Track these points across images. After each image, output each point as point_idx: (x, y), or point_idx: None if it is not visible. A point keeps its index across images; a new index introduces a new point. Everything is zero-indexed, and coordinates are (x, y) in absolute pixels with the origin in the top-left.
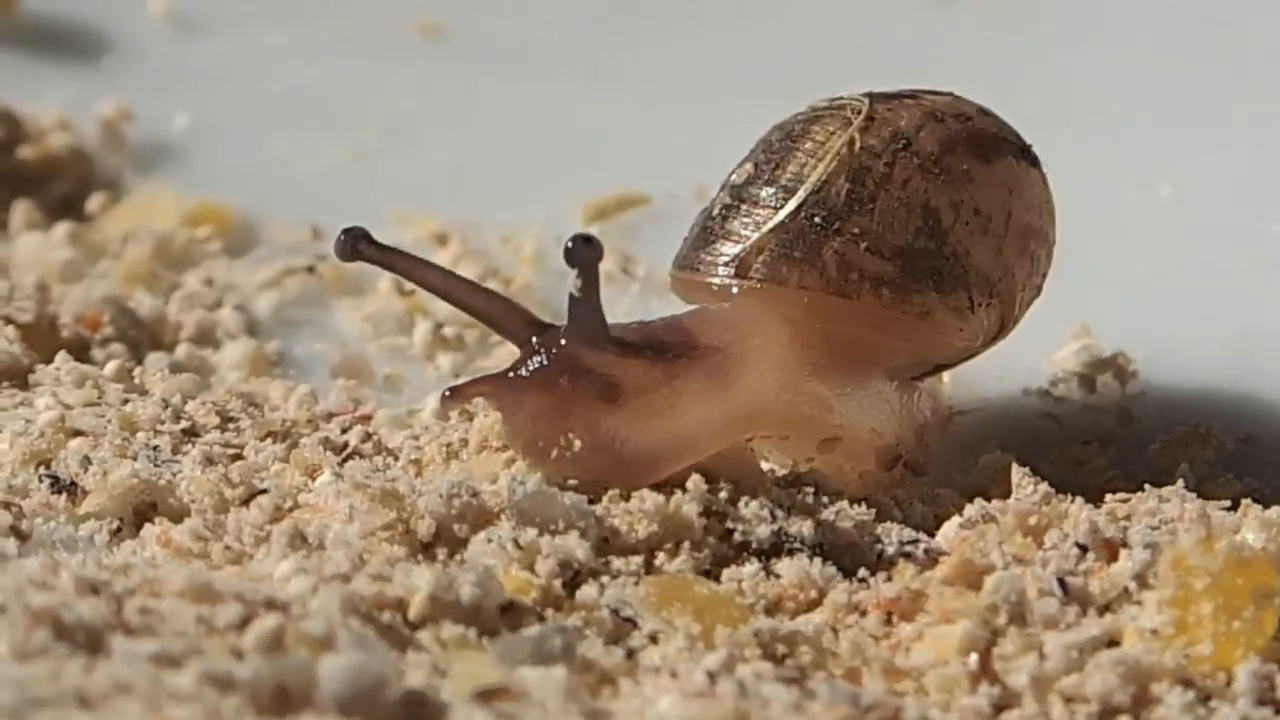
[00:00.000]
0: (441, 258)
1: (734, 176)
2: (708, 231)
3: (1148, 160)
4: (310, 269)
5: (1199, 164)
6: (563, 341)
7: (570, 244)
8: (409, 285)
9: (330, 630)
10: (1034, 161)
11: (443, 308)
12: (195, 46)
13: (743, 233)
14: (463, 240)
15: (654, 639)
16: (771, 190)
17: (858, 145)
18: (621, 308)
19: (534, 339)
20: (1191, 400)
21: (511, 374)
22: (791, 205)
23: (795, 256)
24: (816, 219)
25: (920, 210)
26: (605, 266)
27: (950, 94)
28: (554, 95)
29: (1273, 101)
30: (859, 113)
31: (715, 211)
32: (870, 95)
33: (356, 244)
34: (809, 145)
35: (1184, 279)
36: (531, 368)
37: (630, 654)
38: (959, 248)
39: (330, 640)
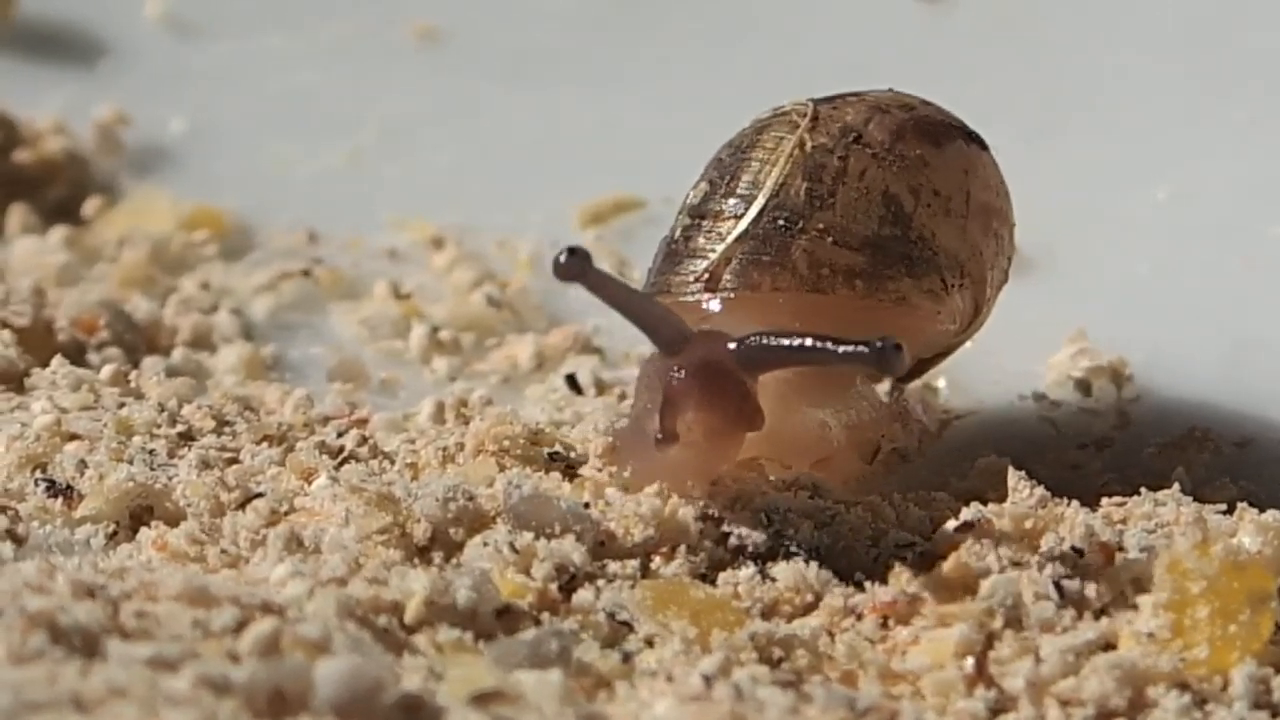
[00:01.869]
0: (438, 261)
1: (690, 198)
2: (672, 254)
3: (1145, 164)
4: (306, 273)
5: (1196, 167)
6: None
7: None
8: (405, 288)
9: (326, 634)
10: (983, 145)
11: (439, 311)
12: (191, 50)
13: (708, 247)
14: (459, 244)
15: (650, 642)
16: (731, 202)
17: (809, 145)
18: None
19: None
20: (1188, 404)
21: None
22: (753, 212)
23: (764, 260)
24: (780, 221)
25: (881, 198)
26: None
27: (889, 89)
28: (550, 100)
29: (1270, 105)
30: (804, 114)
31: (676, 234)
32: (811, 99)
33: (583, 265)
34: (760, 153)
35: (1181, 283)
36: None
37: (626, 657)
38: (924, 231)
39: (326, 644)
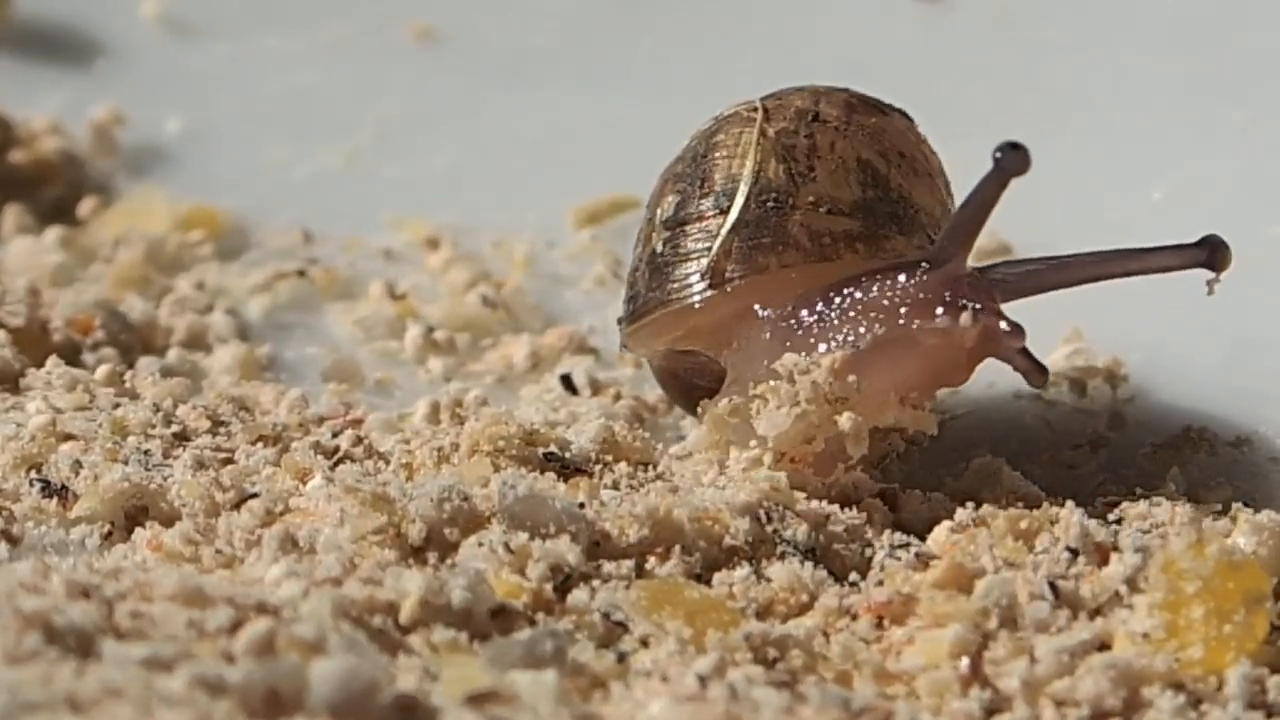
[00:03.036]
0: (433, 262)
1: (659, 214)
2: (660, 268)
3: (1141, 164)
4: (301, 273)
5: (1193, 168)
6: None
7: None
8: (400, 288)
9: (321, 634)
10: (909, 118)
11: (434, 311)
12: (187, 50)
13: (701, 247)
14: (454, 244)
15: (645, 643)
16: (710, 200)
17: (770, 132)
18: (613, 310)
19: None
20: (1183, 404)
21: None
22: (739, 202)
23: (765, 243)
24: (769, 203)
25: (856, 164)
26: (596, 270)
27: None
28: (546, 100)
29: (1265, 105)
30: (753, 109)
31: (659, 249)
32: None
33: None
34: (722, 151)
35: (1176, 283)
36: None
37: (621, 658)
38: (902, 190)
39: (321, 644)
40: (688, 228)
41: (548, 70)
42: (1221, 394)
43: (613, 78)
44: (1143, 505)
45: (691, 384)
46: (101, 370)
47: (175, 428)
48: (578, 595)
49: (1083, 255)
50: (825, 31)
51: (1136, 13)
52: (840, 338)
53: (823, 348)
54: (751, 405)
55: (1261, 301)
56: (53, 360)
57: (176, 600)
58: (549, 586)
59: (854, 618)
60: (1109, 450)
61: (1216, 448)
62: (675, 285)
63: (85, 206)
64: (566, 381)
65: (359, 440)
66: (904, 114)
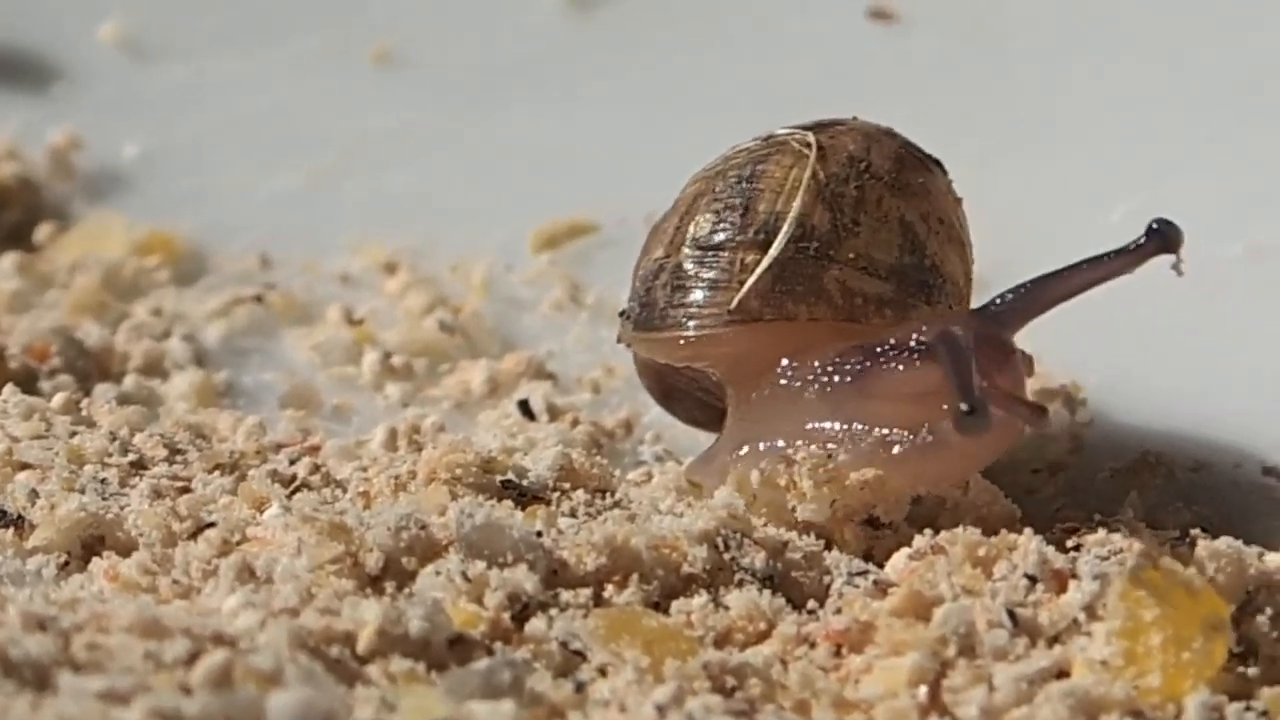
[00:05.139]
0: (391, 286)
1: (692, 230)
2: (683, 287)
3: (1100, 185)
4: (259, 298)
5: (1151, 189)
6: None
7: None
8: (358, 313)
9: (279, 665)
10: (945, 172)
11: (392, 336)
12: (145, 73)
13: (732, 279)
14: (412, 269)
15: (603, 672)
16: (751, 233)
17: (821, 175)
18: (571, 336)
19: None
20: (1142, 428)
21: None
22: (780, 242)
23: (798, 290)
24: (810, 251)
25: (899, 226)
26: (554, 295)
27: (853, 117)
28: (503, 122)
29: (1225, 125)
30: (808, 145)
31: (686, 266)
32: (801, 127)
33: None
34: (769, 183)
35: (1135, 305)
36: None
37: (580, 687)
38: (935, 259)
39: (279, 675)
40: (722, 254)
41: (505, 93)
42: (1179, 417)
43: (571, 101)
44: (1101, 532)
45: (676, 386)
46: (58, 398)
47: (132, 456)
48: (535, 624)
49: (1066, 271)
50: (787, 51)
51: (1097, 33)
52: (869, 433)
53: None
54: (780, 479)
55: (1220, 324)
56: (9, 388)
57: (133, 631)
58: (507, 615)
59: (812, 646)
60: (1067, 474)
61: (1175, 472)
62: (698, 310)
63: (42, 232)
64: (524, 407)
65: (316, 468)
66: (943, 168)
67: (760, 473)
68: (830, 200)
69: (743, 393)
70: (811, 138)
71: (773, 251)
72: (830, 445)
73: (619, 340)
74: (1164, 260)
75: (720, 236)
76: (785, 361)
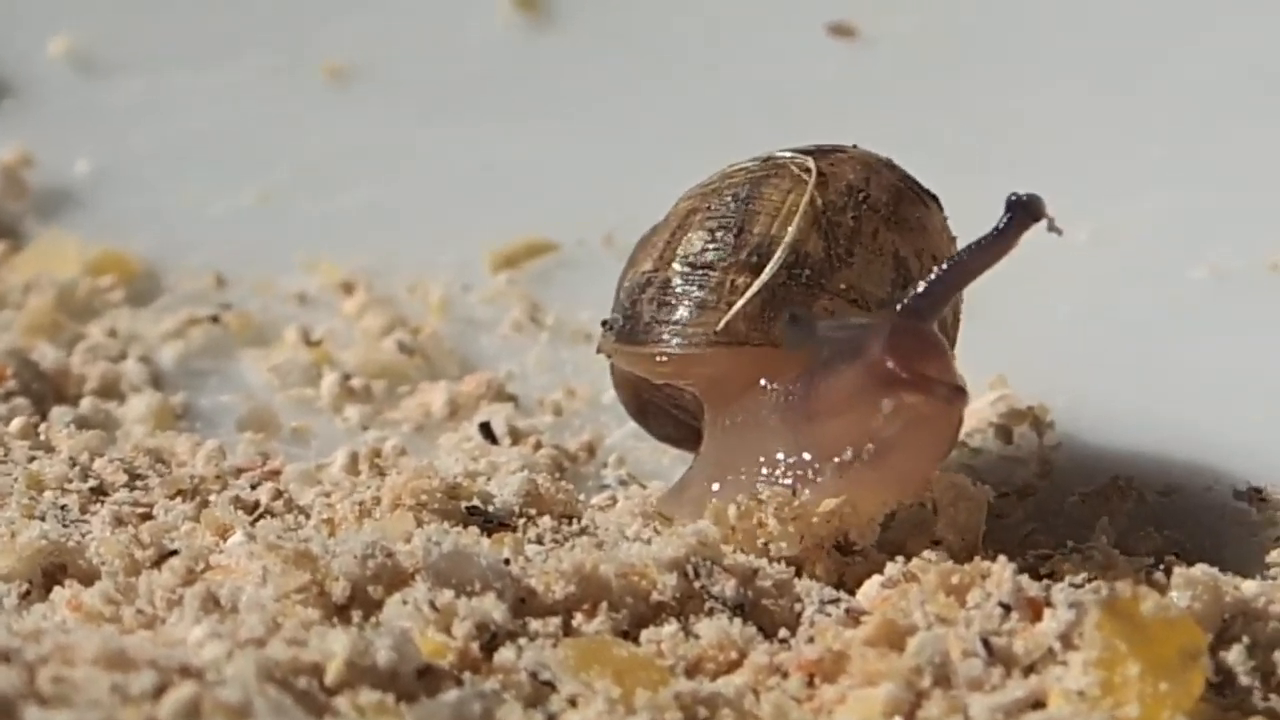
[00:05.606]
0: (348, 307)
1: (684, 246)
2: (668, 304)
3: (1063, 205)
4: (215, 318)
5: (1115, 208)
6: None
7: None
8: (316, 334)
9: (247, 698)
10: (941, 207)
11: (350, 357)
12: (97, 89)
13: (720, 300)
14: (369, 289)
15: (573, 702)
16: (744, 255)
17: (819, 202)
18: (531, 357)
19: None
20: (1111, 451)
21: None
22: (771, 266)
23: None
24: (802, 278)
25: (893, 261)
26: (513, 315)
27: (853, 145)
28: (460, 140)
29: (1190, 144)
30: (808, 170)
31: (674, 282)
32: (801, 151)
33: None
34: (766, 206)
35: (1102, 326)
36: None
37: (550, 718)
38: None
39: (247, 709)
40: (712, 274)
41: (462, 112)
42: (1148, 440)
43: (528, 119)
44: (1075, 558)
45: (651, 401)
46: (16, 422)
47: (92, 482)
48: (504, 654)
49: (958, 260)
50: (747, 67)
51: (1058, 51)
52: (827, 463)
53: (808, 456)
54: (752, 516)
55: (1188, 345)
56: None
57: (99, 664)
58: (475, 645)
59: (785, 675)
60: (1037, 499)
61: (1145, 496)
62: (682, 328)
63: None
64: (486, 430)
65: (279, 494)
66: (939, 204)
67: (737, 507)
68: (826, 228)
69: (718, 416)
70: (811, 163)
71: (764, 276)
72: (792, 477)
73: (599, 350)
74: (1119, 282)
75: (711, 255)
76: (762, 383)
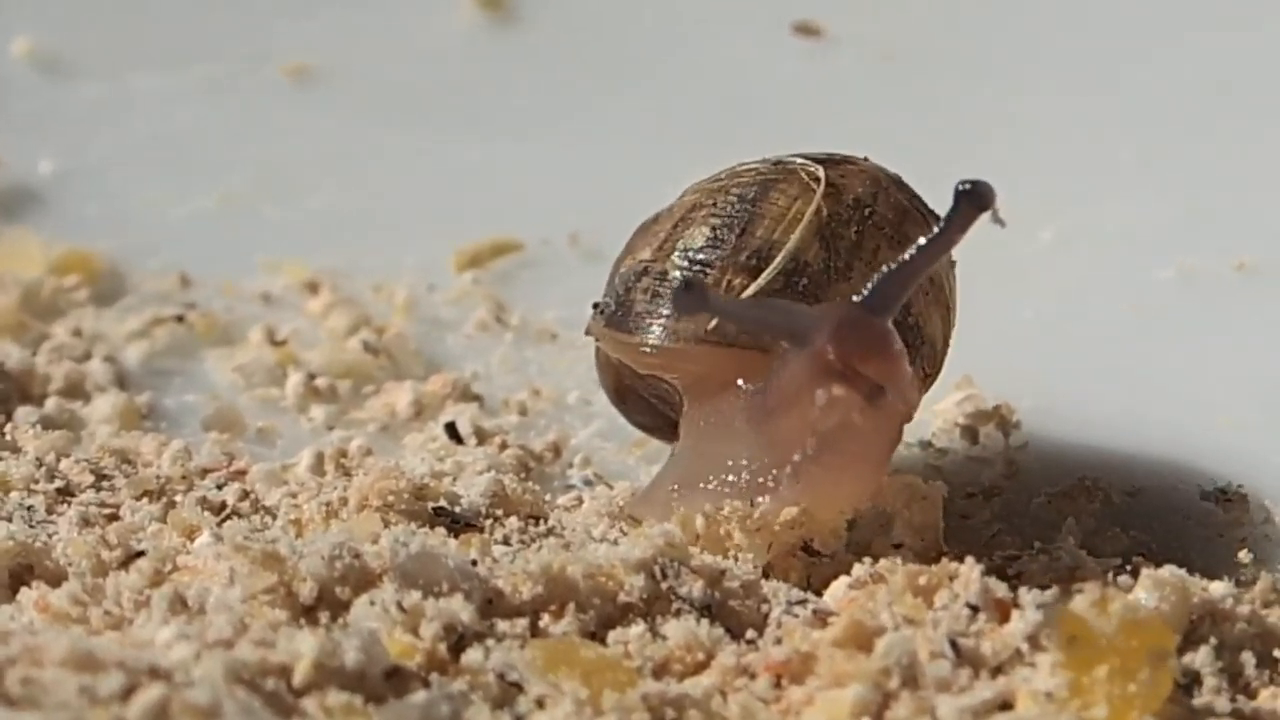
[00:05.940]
0: (313, 306)
1: (686, 239)
2: (661, 295)
3: (1029, 205)
4: (180, 318)
5: (1082, 209)
6: None
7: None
8: (280, 334)
9: (216, 700)
10: None
11: (315, 357)
12: (60, 90)
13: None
14: (334, 289)
15: (541, 704)
16: (744, 256)
17: (825, 212)
18: (496, 357)
19: None
20: (1077, 451)
21: None
22: (770, 272)
23: None
24: (799, 286)
25: None
26: (479, 315)
27: (864, 158)
28: (425, 140)
29: (1155, 145)
30: (817, 179)
31: (671, 274)
32: (811, 158)
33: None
34: (772, 210)
35: (1069, 327)
36: None
37: (518, 719)
38: (919, 319)
39: (216, 710)
40: (710, 271)
41: (427, 110)
42: (1114, 440)
43: (493, 118)
44: (1042, 560)
45: (632, 388)
46: None
47: (59, 482)
48: (472, 655)
49: (910, 256)
50: (711, 67)
51: (1023, 53)
52: (783, 469)
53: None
54: (719, 527)
55: (1154, 346)
56: None
57: (67, 665)
58: (443, 646)
59: (752, 677)
60: (1003, 499)
61: (1111, 496)
62: (673, 323)
63: None
64: (451, 430)
65: (245, 494)
66: None
67: (704, 519)
68: (828, 239)
69: (695, 414)
70: (822, 172)
71: (761, 280)
72: (752, 486)
73: (587, 333)
74: (1085, 283)
75: (711, 253)
76: (739, 383)
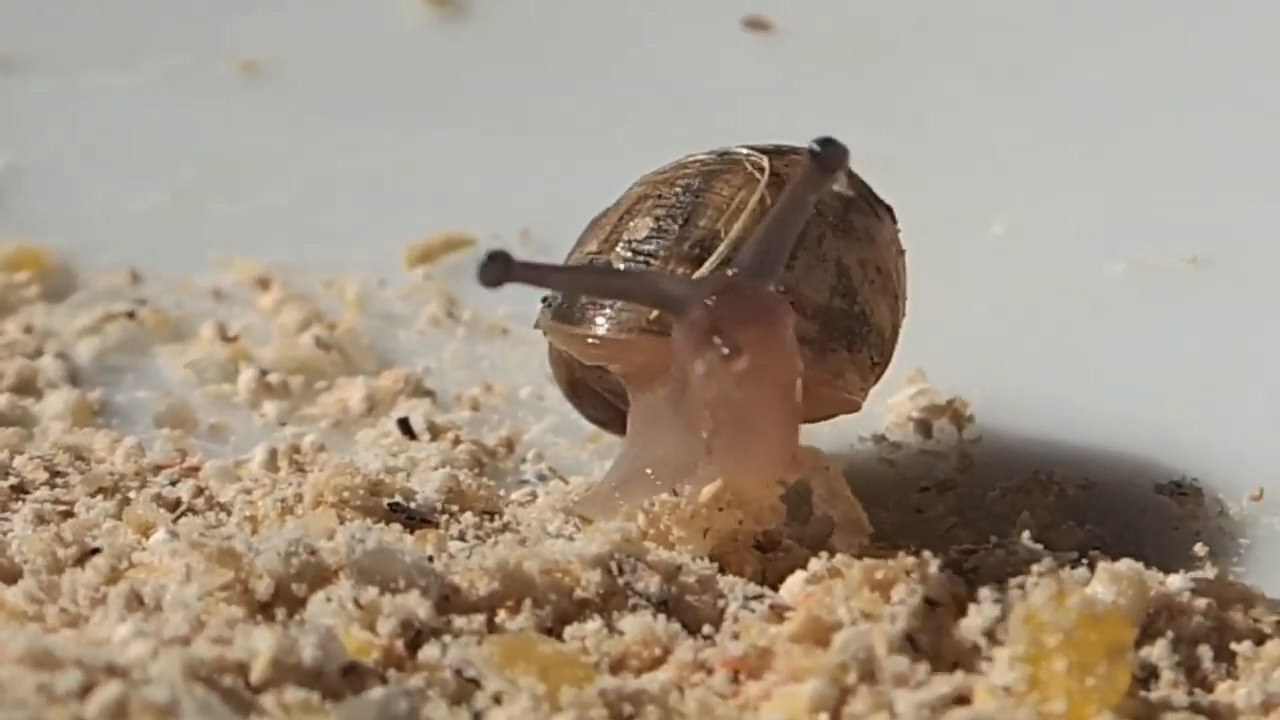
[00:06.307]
0: (264, 302)
1: (629, 231)
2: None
3: (980, 198)
4: (131, 314)
5: (1033, 203)
6: None
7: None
8: (232, 330)
9: (174, 697)
10: (894, 219)
11: (267, 353)
12: (10, 86)
13: None
14: (285, 284)
15: (498, 700)
16: (686, 246)
17: (768, 201)
18: (448, 352)
19: None
20: (1030, 445)
21: None
22: (712, 261)
23: None
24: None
25: (835, 268)
26: (430, 310)
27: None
28: (375, 135)
29: (1106, 139)
30: (761, 169)
31: (615, 266)
32: (760, 150)
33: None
34: (716, 200)
35: (1020, 321)
36: None
37: (476, 716)
38: (866, 307)
39: (175, 708)
40: (653, 261)
41: (378, 105)
42: (1067, 434)
43: (444, 113)
44: (999, 554)
45: (584, 381)
46: None
47: (12, 480)
48: (429, 651)
49: (775, 217)
50: (661, 61)
51: (974, 44)
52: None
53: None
54: (659, 522)
55: (1106, 339)
56: None
57: (24, 663)
58: (400, 643)
59: (709, 672)
60: (957, 493)
61: (1066, 490)
62: (616, 313)
63: None
64: (404, 425)
65: (200, 491)
66: (893, 216)
67: (643, 514)
68: None
69: (638, 404)
70: (766, 162)
71: (703, 270)
72: (675, 476)
73: (536, 326)
74: (1037, 277)
75: (654, 244)
76: (671, 371)
